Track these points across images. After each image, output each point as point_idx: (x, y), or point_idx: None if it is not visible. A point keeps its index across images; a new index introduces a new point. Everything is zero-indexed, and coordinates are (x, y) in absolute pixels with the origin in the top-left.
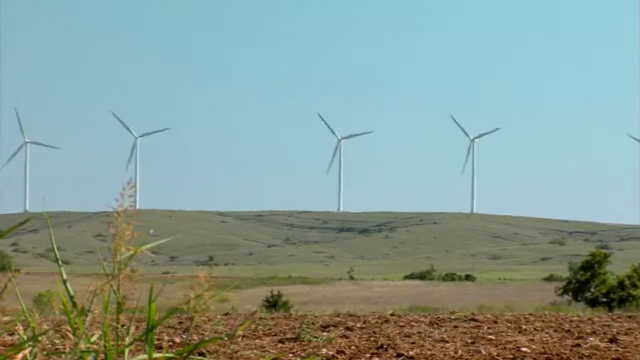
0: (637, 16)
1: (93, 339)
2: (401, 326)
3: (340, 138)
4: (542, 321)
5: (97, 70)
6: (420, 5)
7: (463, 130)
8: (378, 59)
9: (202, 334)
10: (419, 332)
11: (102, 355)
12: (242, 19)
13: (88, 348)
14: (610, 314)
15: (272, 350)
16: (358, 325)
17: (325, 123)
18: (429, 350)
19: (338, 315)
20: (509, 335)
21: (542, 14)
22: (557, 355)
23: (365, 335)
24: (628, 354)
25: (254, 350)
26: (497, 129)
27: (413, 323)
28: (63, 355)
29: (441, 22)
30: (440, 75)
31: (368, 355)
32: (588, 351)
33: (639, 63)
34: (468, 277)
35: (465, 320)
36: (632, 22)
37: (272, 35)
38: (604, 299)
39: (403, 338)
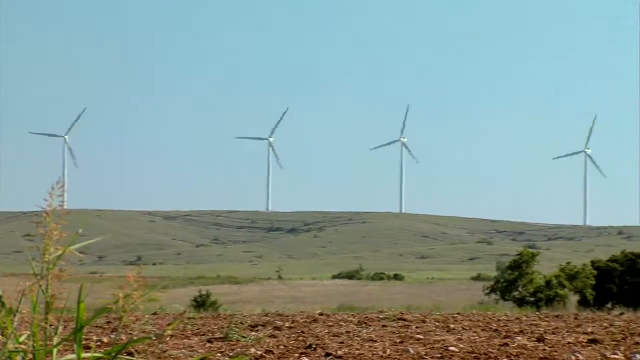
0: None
1: (22, 339)
2: (330, 326)
3: (267, 138)
4: (470, 321)
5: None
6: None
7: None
8: (296, 55)
9: (131, 334)
10: (347, 331)
11: (31, 356)
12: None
13: (16, 348)
14: (538, 313)
15: (200, 350)
16: (287, 325)
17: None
18: (358, 350)
19: (267, 315)
20: (437, 335)
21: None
22: (485, 354)
23: (294, 335)
24: (555, 354)
25: (183, 350)
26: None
27: (342, 323)
28: None
29: (345, 25)
30: (369, 73)
31: (297, 355)
32: (516, 350)
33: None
34: (397, 277)
35: (394, 320)
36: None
37: (199, 33)
38: (532, 299)
39: (332, 338)
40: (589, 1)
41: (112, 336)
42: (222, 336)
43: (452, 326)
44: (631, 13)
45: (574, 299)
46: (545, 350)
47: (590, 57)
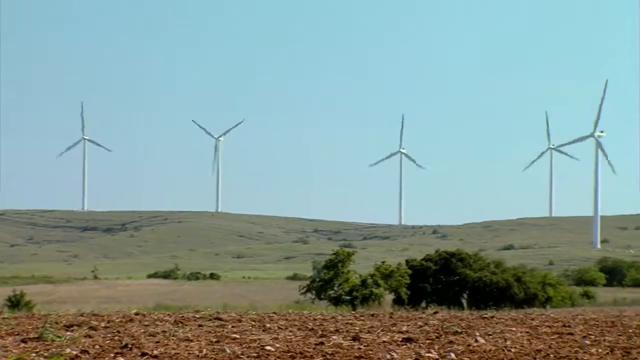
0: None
1: None
2: (146, 325)
3: (83, 137)
4: (286, 320)
5: None
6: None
7: (206, 131)
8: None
9: None
10: (163, 331)
11: None
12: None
13: None
14: (353, 312)
15: (14, 350)
16: (102, 324)
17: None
18: (174, 349)
19: (82, 315)
20: (253, 334)
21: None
22: (301, 353)
23: (109, 335)
24: (371, 352)
25: None
26: (241, 122)
27: (158, 322)
28: None
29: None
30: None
31: (112, 354)
32: (331, 349)
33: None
34: (212, 276)
35: (210, 319)
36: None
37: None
38: (347, 297)
39: (148, 337)
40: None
41: None
42: (36, 336)
43: (268, 325)
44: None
45: (389, 297)
46: (360, 349)
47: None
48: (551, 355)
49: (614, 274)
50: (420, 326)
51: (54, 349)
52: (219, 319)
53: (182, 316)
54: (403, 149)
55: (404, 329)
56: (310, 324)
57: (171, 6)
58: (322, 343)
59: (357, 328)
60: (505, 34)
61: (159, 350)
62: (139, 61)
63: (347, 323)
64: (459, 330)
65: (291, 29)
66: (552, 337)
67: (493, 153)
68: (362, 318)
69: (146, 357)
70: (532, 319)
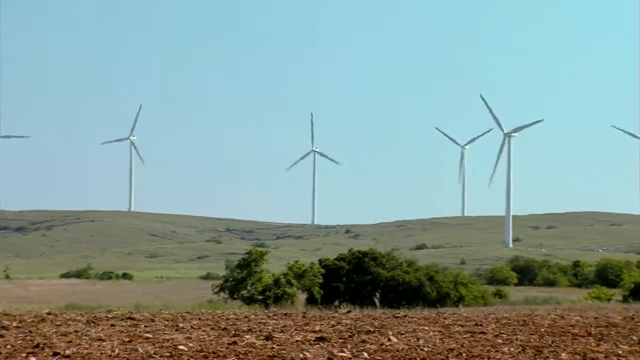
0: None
1: None
2: (58, 325)
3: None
4: (200, 319)
5: None
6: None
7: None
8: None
9: None
10: (75, 330)
11: None
12: None
13: None
14: (266, 311)
15: None
16: (14, 324)
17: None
18: (86, 349)
19: None
20: (166, 334)
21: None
22: (214, 353)
23: (21, 335)
24: (283, 352)
25: None
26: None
27: (70, 322)
28: None
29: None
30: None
31: (24, 354)
32: (244, 349)
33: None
34: (125, 276)
35: (123, 319)
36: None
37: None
38: (260, 297)
39: (60, 337)
40: None
41: None
42: None
43: (181, 325)
44: None
45: (302, 297)
46: (273, 348)
47: None
48: (463, 354)
49: (525, 273)
50: (333, 325)
51: None
52: (132, 319)
53: (95, 316)
54: (316, 148)
55: (317, 328)
56: (223, 323)
57: None
58: (235, 342)
59: (270, 327)
60: (410, 34)
61: (71, 350)
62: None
63: (260, 322)
64: (372, 330)
65: (191, 29)
66: (464, 336)
67: (405, 153)
68: (275, 317)
69: (58, 356)
70: (445, 318)
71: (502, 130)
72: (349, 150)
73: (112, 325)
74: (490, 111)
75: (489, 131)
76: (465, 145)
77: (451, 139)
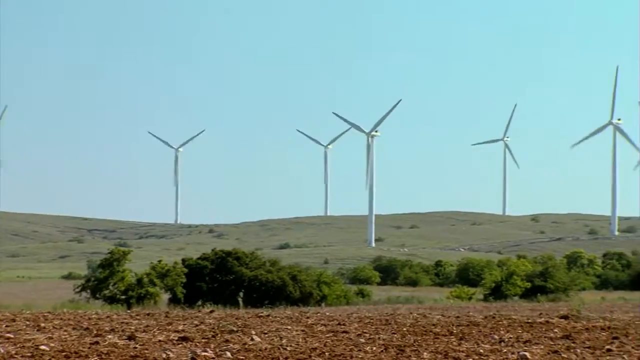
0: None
1: None
2: None
3: None
4: (61, 319)
5: None
6: None
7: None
8: None
9: None
10: None
11: None
12: None
13: None
14: (129, 311)
15: None
16: None
17: None
18: None
19: None
20: (27, 334)
21: None
22: (76, 353)
23: None
24: (146, 351)
25: None
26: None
27: None
28: None
29: None
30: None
31: None
32: (107, 348)
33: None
34: None
35: None
36: None
37: None
38: (123, 297)
39: None
40: None
41: None
42: None
43: (43, 325)
44: None
45: (165, 296)
46: (136, 348)
47: None
48: (326, 353)
49: (388, 273)
50: (197, 325)
51: None
52: None
53: None
54: (180, 148)
55: (180, 328)
56: (85, 323)
57: None
58: (97, 342)
59: (132, 327)
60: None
61: None
62: None
63: (122, 322)
64: (235, 329)
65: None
66: (327, 335)
67: (269, 152)
68: (138, 317)
69: None
70: (308, 318)
71: (364, 131)
72: (208, 148)
73: None
74: (347, 121)
75: (347, 130)
76: (328, 145)
77: (313, 139)
